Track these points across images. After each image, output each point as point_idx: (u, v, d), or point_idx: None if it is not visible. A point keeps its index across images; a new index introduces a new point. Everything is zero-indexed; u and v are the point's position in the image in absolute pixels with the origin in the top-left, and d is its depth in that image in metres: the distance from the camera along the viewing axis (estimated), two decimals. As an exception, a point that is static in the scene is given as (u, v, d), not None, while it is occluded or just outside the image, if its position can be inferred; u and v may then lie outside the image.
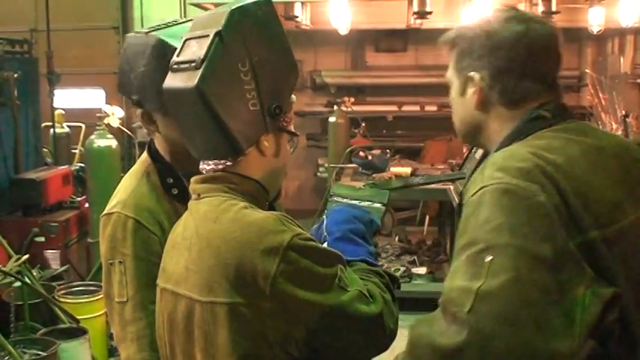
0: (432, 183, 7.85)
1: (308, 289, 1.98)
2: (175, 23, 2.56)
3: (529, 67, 2.17)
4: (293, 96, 2.27)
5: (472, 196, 1.99)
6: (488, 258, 1.83)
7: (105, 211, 2.60)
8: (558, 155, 2.01)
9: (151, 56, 2.41)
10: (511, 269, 1.80)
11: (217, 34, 2.04)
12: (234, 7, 2.08)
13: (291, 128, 2.26)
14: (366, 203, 2.56)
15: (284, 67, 2.18)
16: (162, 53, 2.35)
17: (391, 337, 2.15)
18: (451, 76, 2.33)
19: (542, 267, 1.81)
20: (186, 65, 2.09)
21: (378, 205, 2.59)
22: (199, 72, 2.02)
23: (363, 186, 2.76)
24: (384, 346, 2.16)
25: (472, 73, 2.22)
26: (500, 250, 1.83)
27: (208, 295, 2.01)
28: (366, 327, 2.08)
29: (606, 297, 1.84)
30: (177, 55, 2.16)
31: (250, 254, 1.95)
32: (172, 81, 2.14)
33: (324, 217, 2.49)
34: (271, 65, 2.13)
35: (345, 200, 2.62)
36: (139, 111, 2.57)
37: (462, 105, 2.30)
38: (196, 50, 2.09)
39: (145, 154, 2.70)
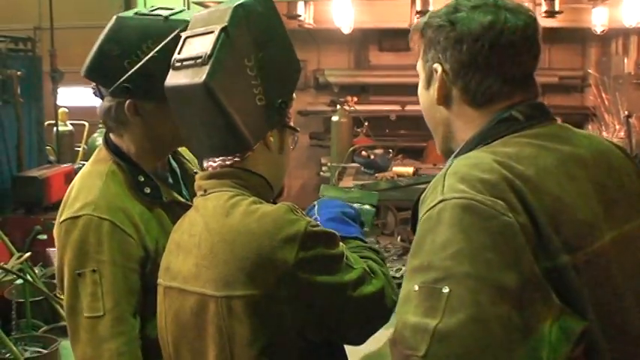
0: (421, 184, 7.87)
1: (324, 272, 2.03)
2: (177, 11, 2.45)
3: (495, 64, 1.93)
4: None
5: (430, 209, 1.74)
6: (446, 290, 1.59)
7: (67, 216, 2.38)
8: (528, 166, 1.79)
9: (176, 42, 2.28)
10: (471, 304, 1.57)
11: (223, 29, 2.04)
12: (237, 4, 2.09)
13: (292, 124, 2.25)
14: (356, 205, 2.57)
15: (287, 63, 2.19)
16: None
17: (393, 307, 2.16)
18: (419, 68, 2.11)
19: (506, 300, 1.58)
20: (191, 62, 2.09)
21: (368, 206, 2.61)
22: (207, 67, 2.03)
23: (352, 188, 2.78)
24: (388, 317, 2.19)
25: (435, 66, 2.00)
26: (459, 280, 1.60)
27: (224, 290, 2.01)
28: (373, 302, 2.13)
29: (576, 334, 1.65)
30: (179, 53, 2.16)
31: (269, 245, 1.97)
32: (176, 78, 2.14)
33: (315, 203, 2.50)
34: (275, 61, 2.14)
35: None
36: (113, 102, 2.41)
37: (428, 100, 2.08)
38: (200, 47, 2.09)
39: (102, 154, 2.52)
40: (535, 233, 1.68)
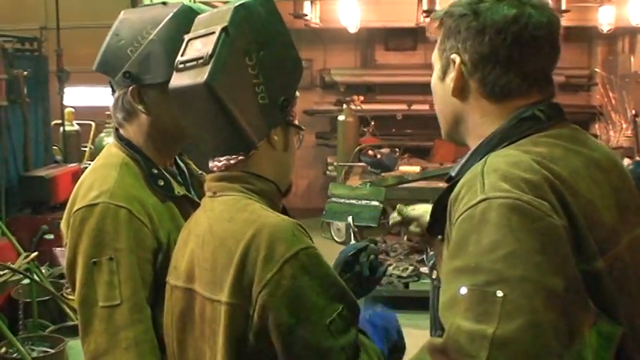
0: (428, 178, 7.86)
1: (292, 312, 1.91)
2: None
3: (516, 59, 1.87)
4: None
5: (470, 207, 1.66)
6: (500, 294, 1.53)
7: (82, 204, 2.33)
8: (562, 167, 1.74)
9: (172, 23, 2.34)
10: (528, 310, 1.51)
11: (224, 29, 2.05)
12: (238, 4, 2.10)
13: (296, 122, 2.25)
14: (364, 202, 2.54)
15: (289, 61, 2.18)
16: (188, 21, 2.27)
17: None
18: (434, 57, 2.04)
19: (556, 305, 1.53)
20: (193, 63, 2.09)
21: (376, 202, 2.58)
22: (208, 67, 2.02)
23: (360, 185, 2.74)
24: None
25: (453, 56, 1.93)
26: (514, 284, 1.53)
27: (216, 294, 2.00)
28: None
29: (616, 339, 1.62)
30: (182, 55, 2.17)
31: (254, 257, 1.94)
32: (179, 80, 2.14)
33: (380, 309, 2.40)
34: (277, 59, 2.14)
35: (342, 200, 2.60)
36: (121, 92, 2.42)
37: (442, 91, 2.01)
38: (202, 48, 2.09)
39: (112, 148, 2.51)
40: (574, 236, 1.64)
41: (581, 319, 1.57)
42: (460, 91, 1.94)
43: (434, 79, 2.05)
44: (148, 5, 2.51)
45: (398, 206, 2.62)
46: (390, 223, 2.77)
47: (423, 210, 2.52)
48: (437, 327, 2.14)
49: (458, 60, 1.91)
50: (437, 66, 2.02)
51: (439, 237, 1.89)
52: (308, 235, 2.03)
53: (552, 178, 1.68)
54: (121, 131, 2.51)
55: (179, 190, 2.46)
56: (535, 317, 1.50)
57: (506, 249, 1.56)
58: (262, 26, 2.11)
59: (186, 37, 2.21)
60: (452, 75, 1.94)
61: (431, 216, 1.94)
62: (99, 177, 2.39)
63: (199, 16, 2.25)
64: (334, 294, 1.96)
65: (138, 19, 2.43)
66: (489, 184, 1.67)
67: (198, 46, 2.13)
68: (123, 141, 2.47)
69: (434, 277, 2.09)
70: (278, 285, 1.90)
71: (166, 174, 2.46)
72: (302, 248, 1.94)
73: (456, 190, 1.76)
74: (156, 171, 2.43)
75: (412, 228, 2.58)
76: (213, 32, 2.07)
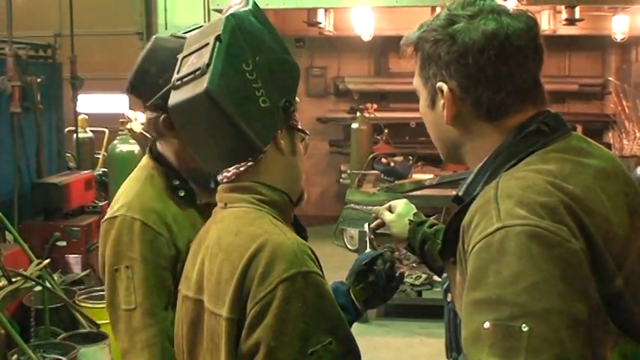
0: (445, 183, 7.82)
1: (276, 334, 1.89)
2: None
3: (505, 74, 1.80)
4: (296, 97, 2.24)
5: (487, 236, 1.60)
6: (525, 328, 1.47)
7: (107, 216, 2.61)
8: (575, 185, 1.67)
9: None
10: (555, 343, 1.46)
11: (217, 38, 2.06)
12: (228, 14, 2.12)
13: (300, 127, 2.23)
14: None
15: (285, 65, 2.18)
16: None
17: None
18: (417, 85, 1.99)
19: (581, 333, 1.49)
20: (191, 76, 2.10)
21: None
22: (207, 76, 2.03)
23: (377, 191, 2.75)
24: None
25: (440, 84, 1.86)
26: (539, 317, 1.48)
27: (218, 308, 2.00)
28: None
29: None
30: (177, 73, 2.17)
31: (253, 274, 1.93)
32: (179, 96, 2.14)
33: None
34: (273, 64, 2.14)
35: (360, 206, 2.60)
36: (152, 116, 2.55)
37: (434, 119, 1.96)
38: (197, 61, 2.10)
39: (145, 160, 2.72)
40: (593, 257, 1.59)
41: (604, 342, 1.54)
42: (455, 119, 1.88)
43: (422, 108, 2.00)
44: (178, 37, 2.57)
45: (374, 208, 2.66)
46: (372, 226, 2.79)
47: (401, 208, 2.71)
48: (452, 349, 2.12)
49: (445, 88, 1.85)
50: (423, 94, 1.98)
51: (451, 259, 1.84)
52: (314, 260, 2.01)
53: (567, 199, 1.63)
54: (157, 143, 2.67)
55: (201, 199, 2.61)
56: (562, 350, 1.46)
57: (529, 280, 1.51)
58: (255, 33, 2.13)
59: (180, 56, 2.22)
60: (442, 102, 1.88)
61: (442, 239, 1.89)
62: (125, 189, 2.65)
63: (190, 35, 2.31)
64: (325, 325, 1.93)
65: (170, 50, 2.47)
66: (505, 211, 1.62)
67: (193, 61, 2.14)
68: (152, 153, 2.66)
69: (448, 300, 2.07)
70: (269, 304, 1.89)
71: (191, 183, 2.61)
72: (301, 272, 1.92)
73: (469, 215, 1.72)
74: (177, 182, 2.60)
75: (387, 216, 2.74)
76: (207, 44, 2.09)
